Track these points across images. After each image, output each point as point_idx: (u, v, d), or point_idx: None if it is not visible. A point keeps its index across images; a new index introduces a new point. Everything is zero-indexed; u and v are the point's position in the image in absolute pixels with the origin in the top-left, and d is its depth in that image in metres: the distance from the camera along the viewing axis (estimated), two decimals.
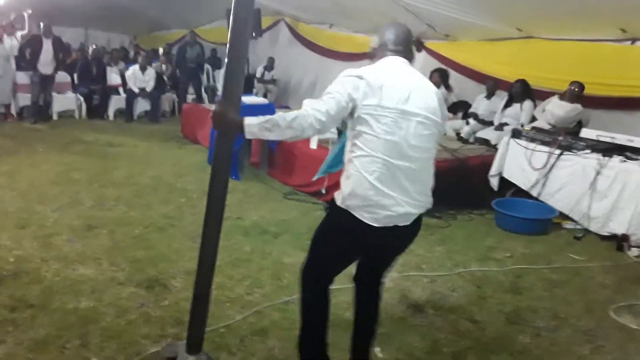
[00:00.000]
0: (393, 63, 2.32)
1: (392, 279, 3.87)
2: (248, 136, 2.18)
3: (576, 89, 6.13)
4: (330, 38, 10.28)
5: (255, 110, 6.08)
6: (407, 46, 2.38)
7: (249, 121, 2.13)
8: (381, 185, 2.17)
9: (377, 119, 2.15)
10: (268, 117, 2.14)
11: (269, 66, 11.47)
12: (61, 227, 4.40)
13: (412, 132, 2.21)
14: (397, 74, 2.26)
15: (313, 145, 5.99)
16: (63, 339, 2.81)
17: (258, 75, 11.44)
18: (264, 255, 4.13)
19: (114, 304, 3.21)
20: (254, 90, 10.80)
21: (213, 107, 2.24)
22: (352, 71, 2.21)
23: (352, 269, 2.58)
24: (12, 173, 5.91)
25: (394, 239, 2.34)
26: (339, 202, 2.26)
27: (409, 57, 2.38)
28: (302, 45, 11.03)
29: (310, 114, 2.12)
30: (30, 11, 10.47)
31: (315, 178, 2.86)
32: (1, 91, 9.03)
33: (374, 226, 2.20)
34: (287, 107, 9.17)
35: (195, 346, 2.55)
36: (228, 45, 2.12)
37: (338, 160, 2.60)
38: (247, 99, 6.32)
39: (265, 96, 10.43)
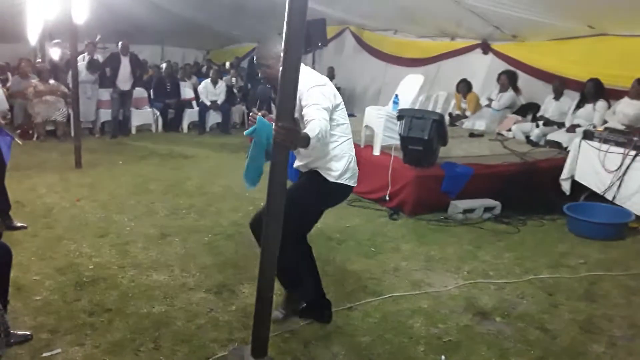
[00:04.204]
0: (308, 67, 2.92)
1: (457, 285, 3.83)
2: (309, 149, 2.58)
3: (637, 85, 5.87)
4: (395, 44, 10.27)
5: None
6: None
7: (312, 135, 2.52)
8: (354, 156, 3.06)
9: (341, 112, 2.96)
10: (317, 130, 2.54)
11: (330, 76, 11.59)
12: (137, 235, 4.64)
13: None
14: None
15: (376, 151, 6.00)
16: (137, 342, 2.96)
17: None
18: (328, 261, 4.18)
19: (184, 308, 3.36)
20: None
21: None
22: (319, 81, 2.82)
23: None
24: (93, 185, 6.29)
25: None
26: (332, 179, 2.96)
27: None
28: (367, 53, 11.07)
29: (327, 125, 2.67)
30: (99, 36, 11.06)
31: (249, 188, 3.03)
32: (89, 110, 9.59)
33: (353, 186, 3.07)
34: (352, 115, 9.20)
35: (261, 350, 2.60)
36: (282, 54, 2.18)
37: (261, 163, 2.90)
38: None
39: None
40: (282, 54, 2.50)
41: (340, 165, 2.95)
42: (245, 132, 2.83)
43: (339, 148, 2.95)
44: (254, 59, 2.88)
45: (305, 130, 2.53)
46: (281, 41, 2.54)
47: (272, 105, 2.83)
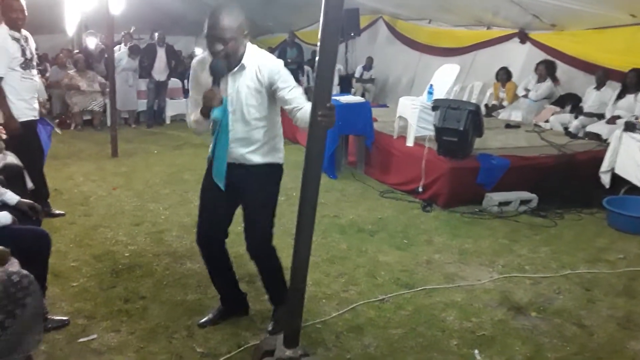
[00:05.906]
0: None
1: (492, 279, 3.77)
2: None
3: None
4: (429, 34, 10.12)
5: (351, 109, 6.12)
6: None
7: None
8: None
9: None
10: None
11: (368, 66, 11.49)
12: (172, 224, 4.70)
13: None
14: None
15: (410, 142, 5.94)
16: (171, 330, 3.00)
17: (357, 75, 11.49)
18: (360, 253, 4.17)
19: (217, 297, 3.34)
20: (352, 90, 10.86)
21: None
22: (279, 61, 2.70)
23: None
24: (129, 174, 6.39)
25: None
26: (282, 161, 2.87)
27: None
28: (400, 43, 10.95)
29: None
30: (134, 28, 11.18)
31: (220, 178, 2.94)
32: (131, 99, 9.75)
33: None
34: (385, 106, 9.15)
35: (292, 340, 2.60)
36: (319, 43, 2.14)
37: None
38: (343, 98, 6.37)
39: (363, 95, 10.46)
40: (244, 27, 2.61)
41: (281, 144, 2.86)
42: (212, 115, 2.71)
43: (279, 131, 2.85)
44: (211, 32, 2.60)
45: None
46: (242, 12, 2.63)
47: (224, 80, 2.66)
